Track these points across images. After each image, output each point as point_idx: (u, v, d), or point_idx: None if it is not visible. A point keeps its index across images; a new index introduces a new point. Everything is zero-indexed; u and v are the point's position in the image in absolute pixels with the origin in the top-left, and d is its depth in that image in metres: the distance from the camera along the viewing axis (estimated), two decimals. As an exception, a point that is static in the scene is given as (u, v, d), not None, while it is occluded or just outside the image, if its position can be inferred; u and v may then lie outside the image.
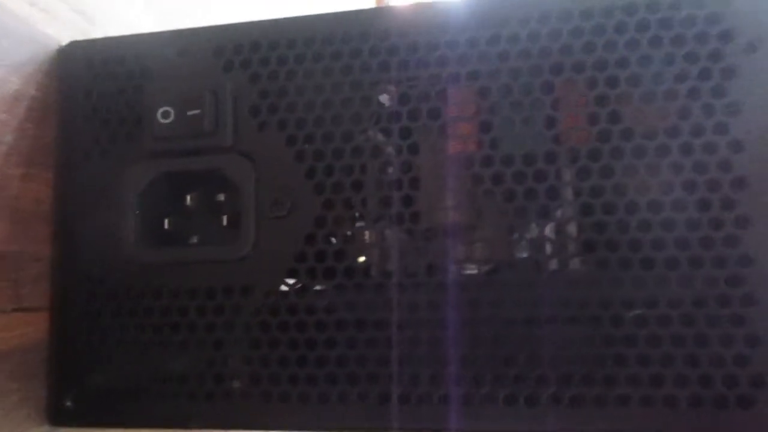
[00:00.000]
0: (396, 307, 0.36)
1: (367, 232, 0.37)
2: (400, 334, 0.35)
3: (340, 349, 0.36)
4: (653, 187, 0.33)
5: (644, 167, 0.33)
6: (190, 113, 0.38)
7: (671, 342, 0.32)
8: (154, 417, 0.39)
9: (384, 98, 0.38)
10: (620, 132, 0.34)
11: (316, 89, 0.38)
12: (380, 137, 0.37)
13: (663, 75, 0.33)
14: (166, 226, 0.39)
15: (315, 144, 0.37)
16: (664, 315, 0.33)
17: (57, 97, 0.42)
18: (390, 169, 0.37)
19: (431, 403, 0.35)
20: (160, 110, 0.39)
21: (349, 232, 0.37)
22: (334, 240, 0.37)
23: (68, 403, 0.39)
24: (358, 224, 0.37)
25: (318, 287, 0.37)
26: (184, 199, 0.40)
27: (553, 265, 0.35)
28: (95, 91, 0.41)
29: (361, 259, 0.37)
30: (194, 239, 0.40)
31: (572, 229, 0.35)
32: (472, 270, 0.36)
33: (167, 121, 0.39)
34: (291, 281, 0.38)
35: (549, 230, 0.35)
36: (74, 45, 0.42)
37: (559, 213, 0.35)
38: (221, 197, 0.39)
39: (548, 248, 0.35)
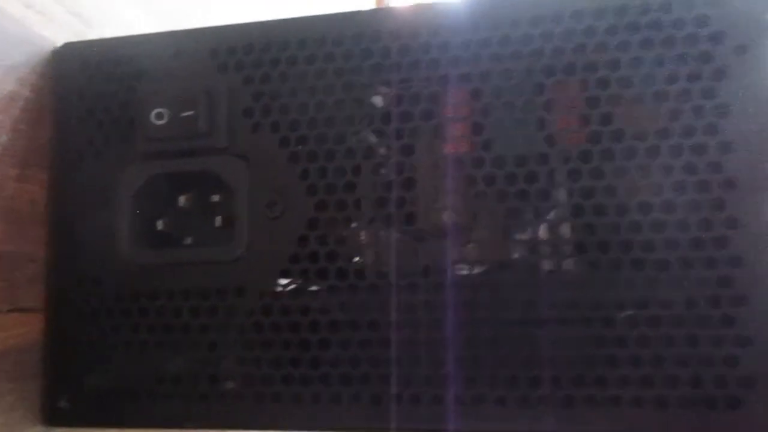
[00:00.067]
0: (390, 308, 0.36)
1: (361, 234, 0.38)
2: (394, 335, 0.36)
3: (334, 350, 0.36)
4: (643, 189, 0.33)
5: (635, 169, 0.34)
6: (184, 114, 0.39)
7: (662, 343, 0.32)
8: (148, 417, 0.39)
9: (377, 100, 0.38)
10: (611, 133, 0.34)
11: (310, 91, 0.38)
12: (373, 139, 0.38)
13: (654, 76, 0.33)
14: (159, 227, 0.39)
15: (308, 145, 0.38)
16: (654, 316, 0.33)
17: (52, 99, 0.42)
18: (384, 171, 0.37)
19: (424, 404, 0.35)
20: (154, 111, 0.39)
21: (342, 234, 0.37)
22: (327, 241, 0.37)
23: (63, 404, 0.40)
24: (352, 225, 0.37)
25: (312, 288, 0.38)
26: (179, 200, 0.40)
27: (547, 266, 0.35)
28: (90, 92, 0.41)
29: (363, 259, 0.37)
30: (189, 240, 0.40)
31: (565, 230, 0.35)
32: (466, 271, 0.36)
33: (161, 122, 0.39)
34: (285, 282, 0.38)
35: (543, 231, 0.35)
36: (69, 46, 0.42)
37: (552, 214, 0.35)
38: (215, 198, 0.39)
39: (543, 249, 0.35)
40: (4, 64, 0.39)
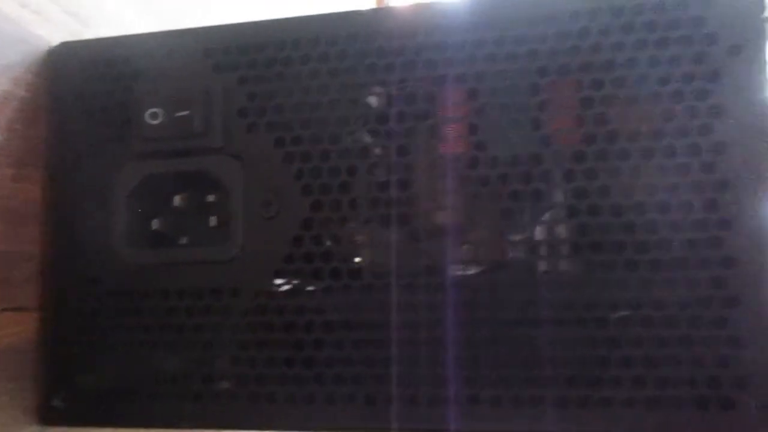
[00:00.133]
0: (385, 308, 0.36)
1: (356, 234, 0.38)
2: (389, 335, 0.36)
3: (329, 350, 0.36)
4: (638, 189, 0.33)
5: (629, 169, 0.34)
6: (179, 114, 0.39)
7: (654, 344, 0.32)
8: (143, 417, 0.39)
9: (372, 100, 0.38)
10: (605, 134, 0.34)
11: (305, 91, 0.38)
12: (369, 139, 0.38)
13: (648, 77, 0.34)
14: (155, 226, 0.40)
15: (303, 145, 0.38)
16: (647, 316, 0.33)
17: (47, 98, 0.42)
18: (379, 171, 0.37)
19: (419, 404, 0.35)
20: (149, 111, 0.39)
21: (338, 234, 0.37)
22: (322, 241, 0.37)
23: (58, 403, 0.40)
24: (347, 226, 0.37)
25: (307, 288, 0.38)
26: (174, 200, 0.40)
27: (542, 267, 0.35)
28: (85, 92, 0.41)
29: (357, 259, 0.37)
30: (184, 240, 0.40)
31: (561, 230, 0.35)
32: (463, 271, 0.37)
33: (156, 122, 0.39)
34: (281, 282, 0.38)
35: (539, 232, 0.35)
36: (64, 46, 0.42)
37: (547, 215, 0.35)
38: (211, 198, 0.40)
39: (537, 250, 0.35)
40: (-1, 63, 0.39)
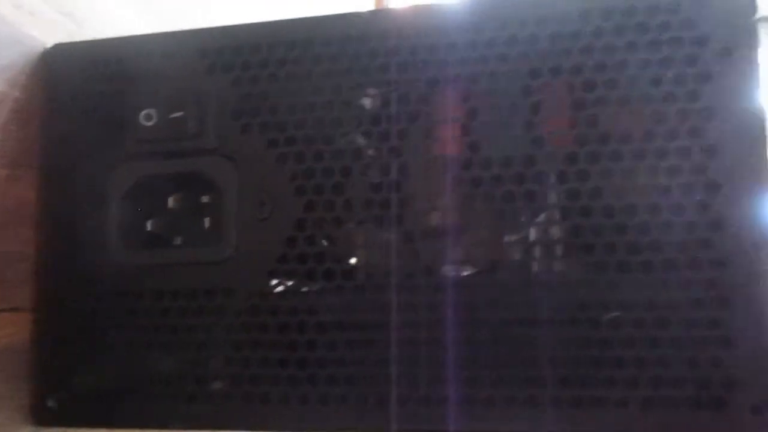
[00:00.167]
0: (378, 309, 0.36)
1: (349, 235, 0.38)
2: (382, 336, 0.36)
3: (322, 351, 0.36)
4: (629, 191, 0.33)
5: (620, 171, 0.34)
6: (173, 116, 0.39)
7: (646, 345, 0.33)
8: (137, 417, 0.39)
9: (366, 101, 0.38)
10: (597, 136, 0.34)
11: (299, 92, 0.38)
12: (362, 140, 0.38)
13: (639, 79, 0.34)
14: (149, 227, 0.40)
15: (297, 146, 0.38)
16: (639, 318, 0.33)
17: (42, 100, 0.42)
18: (372, 172, 0.37)
19: (412, 404, 0.35)
20: (144, 112, 0.39)
21: (331, 234, 0.38)
22: (316, 242, 0.37)
23: (52, 404, 0.40)
24: (341, 227, 0.38)
25: (301, 289, 0.38)
26: (168, 201, 0.40)
27: (535, 267, 0.35)
28: (80, 93, 0.41)
29: (353, 260, 0.37)
30: (178, 241, 0.40)
31: (555, 232, 0.35)
32: (458, 272, 0.37)
33: (150, 123, 0.39)
34: (275, 283, 0.38)
35: (533, 233, 0.35)
36: (59, 47, 0.42)
37: (542, 216, 0.35)
38: (205, 199, 0.40)
39: (531, 251, 0.35)
40: (-7, 64, 0.39)
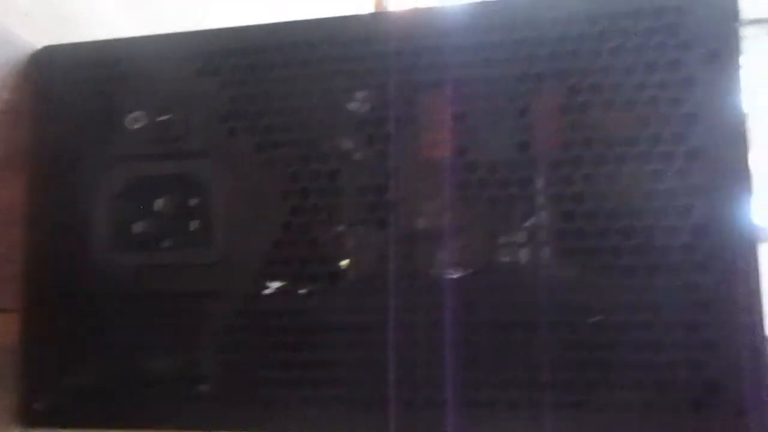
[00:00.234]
0: (364, 311, 0.36)
1: (337, 237, 0.38)
2: (368, 337, 0.36)
3: (308, 353, 0.36)
4: (612, 195, 0.34)
5: (604, 176, 0.34)
6: (161, 118, 0.39)
7: (628, 348, 0.33)
8: (125, 419, 0.39)
9: (354, 105, 0.38)
10: (581, 141, 0.34)
11: (287, 96, 0.38)
12: (350, 144, 0.38)
13: (623, 84, 0.34)
14: (137, 229, 0.40)
15: (284, 150, 0.38)
16: (621, 321, 0.33)
17: (31, 101, 0.42)
18: (360, 175, 0.37)
19: (406, 405, 0.35)
20: (132, 115, 0.39)
21: (318, 237, 0.38)
22: (304, 245, 0.37)
23: (39, 405, 0.40)
24: (328, 229, 0.38)
25: (288, 291, 0.38)
26: (156, 204, 0.40)
27: (523, 270, 0.35)
28: (69, 95, 0.41)
29: (344, 263, 0.37)
30: (166, 243, 0.40)
31: (542, 235, 0.35)
32: (449, 274, 0.37)
33: (139, 125, 0.39)
34: (263, 285, 0.38)
35: (520, 236, 0.36)
36: (48, 49, 0.42)
37: (532, 220, 0.35)
38: (193, 202, 0.40)
39: (518, 254, 0.35)
40: (-18, 66, 0.39)
